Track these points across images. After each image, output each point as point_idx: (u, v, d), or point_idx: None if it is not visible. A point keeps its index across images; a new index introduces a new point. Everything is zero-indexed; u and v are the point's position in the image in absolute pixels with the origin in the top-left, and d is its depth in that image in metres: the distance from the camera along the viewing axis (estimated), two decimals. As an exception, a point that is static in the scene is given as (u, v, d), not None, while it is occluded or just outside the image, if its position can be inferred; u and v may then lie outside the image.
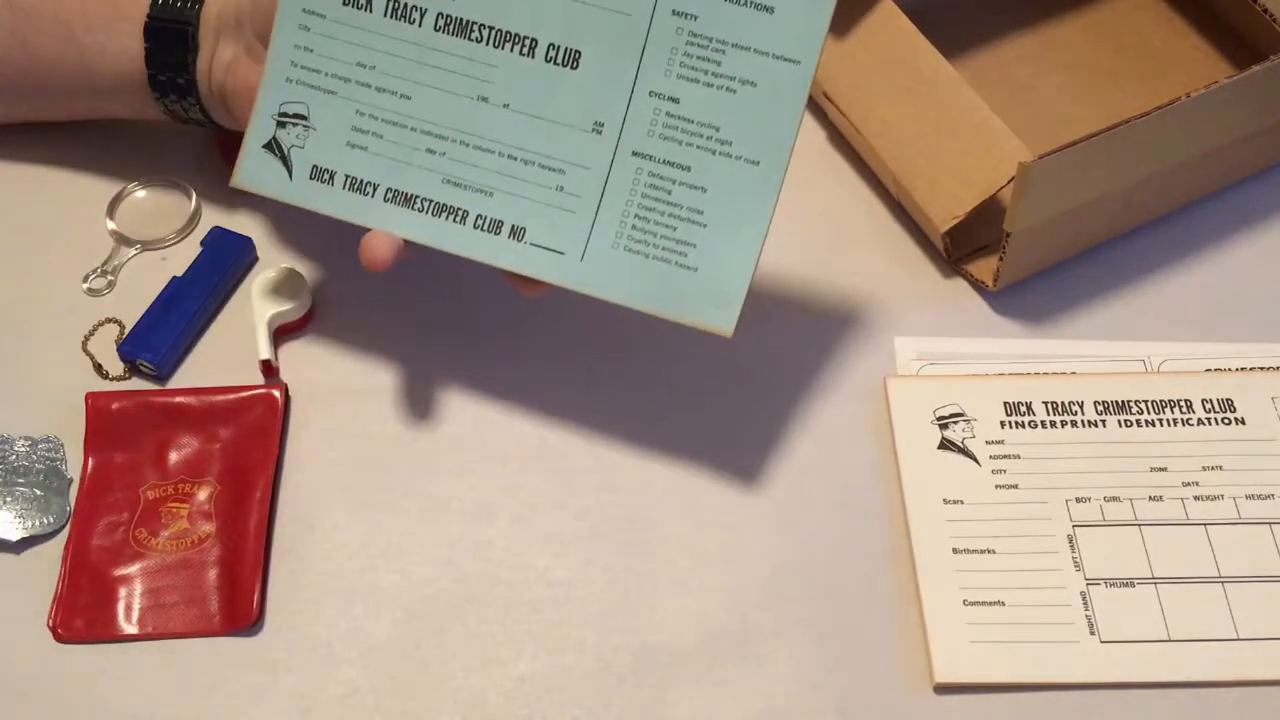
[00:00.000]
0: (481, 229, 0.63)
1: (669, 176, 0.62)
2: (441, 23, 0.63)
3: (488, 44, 0.63)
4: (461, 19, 0.63)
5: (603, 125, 0.62)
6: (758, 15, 0.61)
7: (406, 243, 0.64)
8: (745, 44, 0.61)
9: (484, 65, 0.63)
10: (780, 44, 0.61)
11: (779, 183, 0.62)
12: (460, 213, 0.63)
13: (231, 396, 0.69)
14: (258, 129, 0.65)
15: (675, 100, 0.62)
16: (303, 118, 0.64)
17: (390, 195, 0.64)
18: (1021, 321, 0.73)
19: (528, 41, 0.63)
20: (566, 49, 0.62)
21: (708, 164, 0.62)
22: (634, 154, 0.62)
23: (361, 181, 0.64)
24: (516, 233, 0.63)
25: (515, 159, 0.63)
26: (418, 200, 0.64)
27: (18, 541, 0.65)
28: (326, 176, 0.64)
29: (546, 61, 0.63)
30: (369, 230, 0.64)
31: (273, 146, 0.65)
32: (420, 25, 0.63)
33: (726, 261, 0.62)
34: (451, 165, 0.63)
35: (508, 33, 0.63)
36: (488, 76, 0.63)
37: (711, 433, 0.69)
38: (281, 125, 0.64)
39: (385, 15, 0.63)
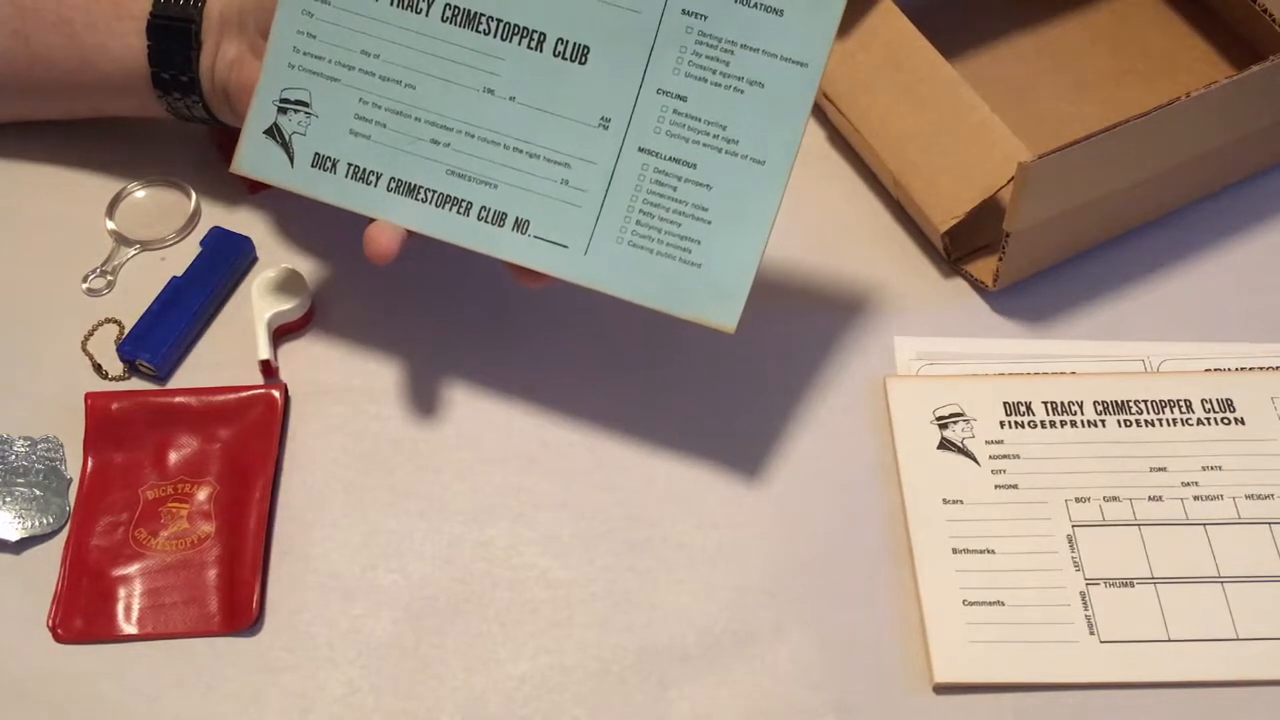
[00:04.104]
0: (485, 221, 0.64)
1: (675, 173, 0.62)
2: (449, 13, 0.63)
3: (495, 36, 0.63)
4: (469, 10, 0.63)
5: (609, 121, 0.63)
6: (767, 17, 0.61)
7: (409, 235, 0.64)
8: (754, 45, 0.61)
9: (491, 57, 0.63)
10: (788, 46, 0.61)
11: (784, 182, 0.62)
12: (464, 204, 0.63)
13: (231, 396, 0.69)
14: (258, 114, 0.65)
15: (683, 98, 0.62)
16: (305, 104, 0.64)
17: (393, 185, 0.64)
18: (1021, 321, 0.73)
19: (536, 35, 0.63)
20: (575, 44, 0.62)
21: (714, 162, 0.62)
22: (640, 150, 0.63)
23: (364, 170, 0.64)
24: (520, 225, 0.63)
25: (520, 152, 0.63)
26: (421, 190, 0.64)
27: (17, 542, 0.65)
28: (329, 164, 0.64)
29: (554, 56, 0.63)
30: (371, 224, 0.64)
31: (273, 133, 0.65)
32: (427, 15, 0.63)
33: (730, 258, 0.62)
34: (456, 156, 0.64)
35: (516, 26, 0.63)
36: (494, 69, 0.63)
37: (711, 432, 0.69)
38: (283, 111, 0.64)
39: (391, 4, 0.63)
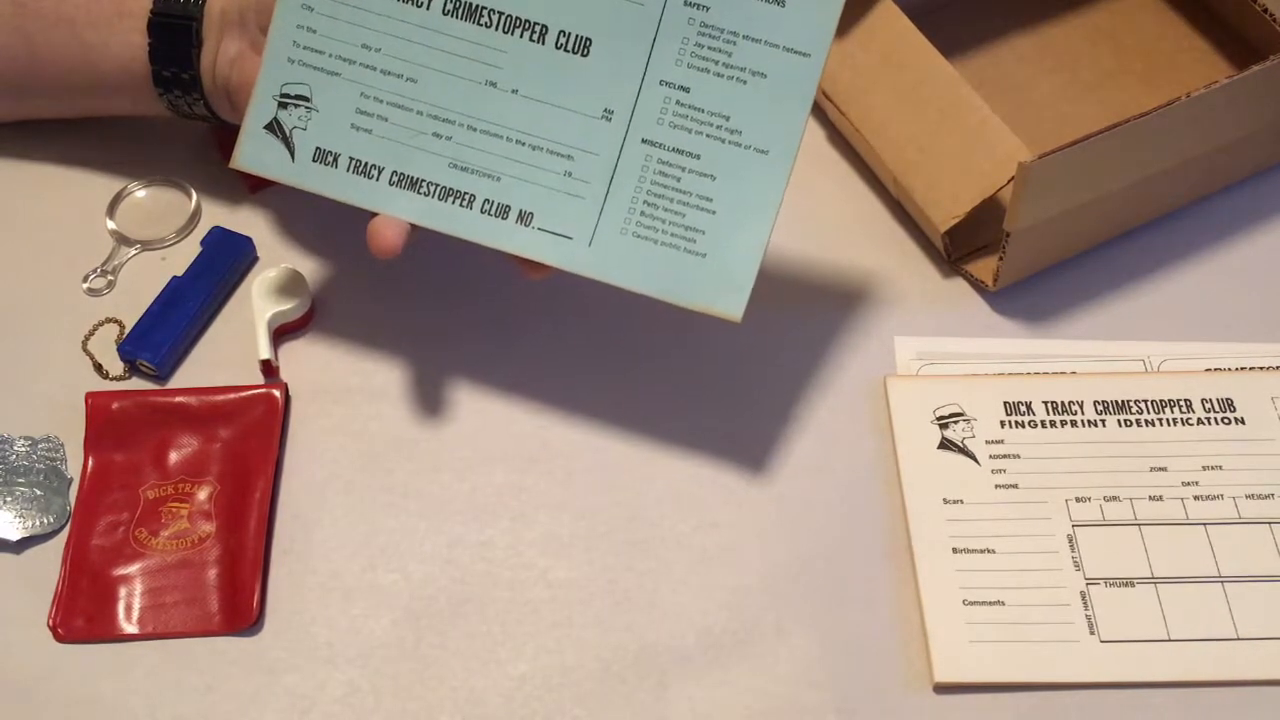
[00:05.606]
0: (489, 213, 0.64)
1: (678, 164, 0.62)
2: (450, 6, 0.63)
3: (497, 29, 0.63)
4: (471, 3, 0.63)
5: (612, 113, 0.63)
6: (769, 8, 0.61)
7: (412, 229, 0.64)
8: (756, 36, 0.61)
9: (493, 50, 0.63)
10: (791, 37, 0.61)
11: (788, 172, 0.62)
12: (467, 197, 0.64)
13: (231, 396, 0.69)
14: (259, 109, 0.65)
15: (686, 89, 0.62)
16: (305, 99, 0.64)
17: (396, 179, 0.64)
18: (1021, 321, 0.73)
19: (538, 28, 0.63)
20: (577, 36, 0.63)
21: (717, 152, 0.62)
22: (643, 141, 0.63)
23: (366, 164, 0.64)
24: (524, 217, 0.63)
25: (523, 144, 0.63)
26: (424, 184, 0.64)
27: (18, 541, 0.65)
28: (330, 159, 0.64)
29: (557, 48, 0.63)
30: (373, 219, 0.64)
31: (274, 127, 0.64)
32: (428, 8, 0.63)
33: (735, 248, 0.62)
34: (458, 149, 0.64)
35: (518, 18, 0.63)
36: (496, 61, 0.63)
37: (711, 432, 0.69)
38: (283, 106, 0.64)
39: None
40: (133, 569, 0.64)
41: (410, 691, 0.62)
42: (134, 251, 0.75)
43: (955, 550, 0.65)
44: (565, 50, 0.63)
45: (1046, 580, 0.64)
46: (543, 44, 0.63)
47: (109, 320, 0.72)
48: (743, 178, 0.62)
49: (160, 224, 0.75)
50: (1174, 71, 0.82)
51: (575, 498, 0.67)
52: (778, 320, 0.72)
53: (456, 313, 0.73)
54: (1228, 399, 0.70)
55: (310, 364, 0.71)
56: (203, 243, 0.74)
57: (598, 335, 0.72)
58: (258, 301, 0.70)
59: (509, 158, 0.63)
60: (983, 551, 0.65)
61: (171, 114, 0.72)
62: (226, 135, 0.73)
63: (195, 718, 0.61)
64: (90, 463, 0.67)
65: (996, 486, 0.67)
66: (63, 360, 0.71)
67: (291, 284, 0.71)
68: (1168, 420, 0.69)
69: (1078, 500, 0.66)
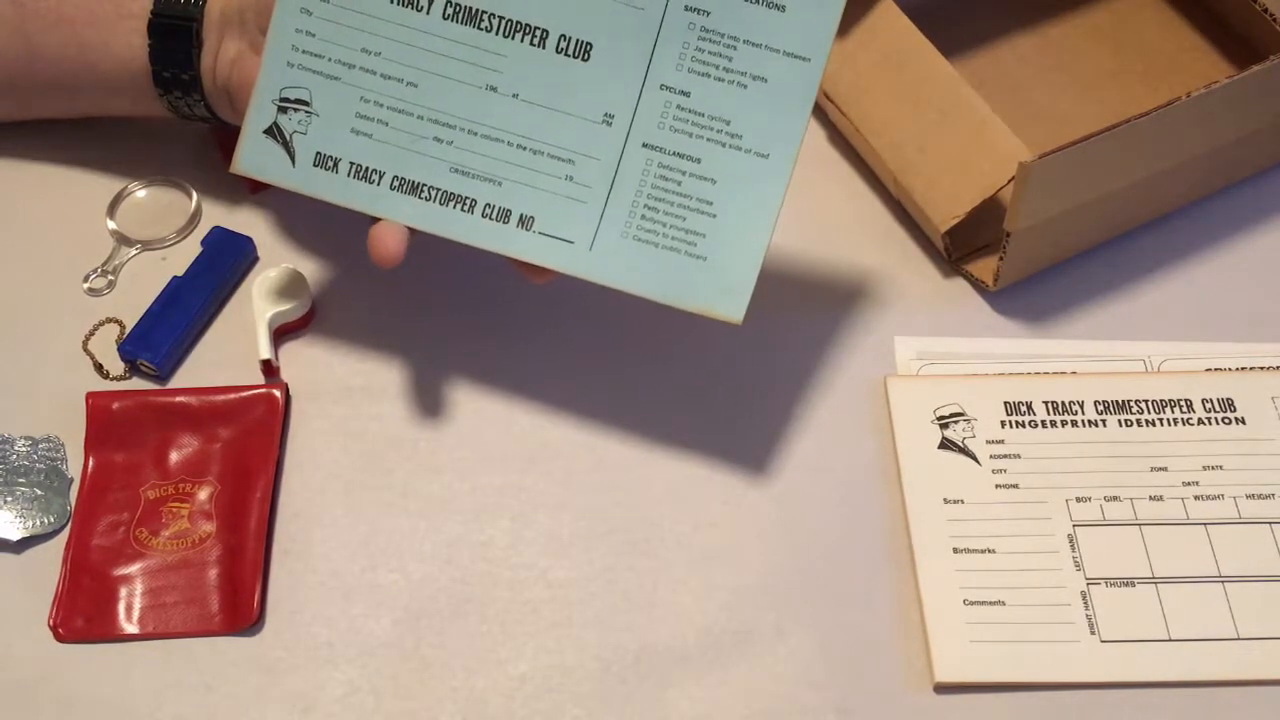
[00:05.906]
0: (490, 218, 0.64)
1: (679, 168, 0.62)
2: (450, 11, 0.63)
3: (497, 33, 0.63)
4: (471, 8, 0.63)
5: (613, 117, 0.63)
6: (769, 12, 0.61)
7: (412, 233, 0.64)
8: (756, 40, 0.62)
9: (493, 55, 0.63)
10: (791, 41, 0.61)
11: (788, 175, 0.62)
12: (468, 201, 0.64)
13: (232, 396, 0.69)
14: (258, 113, 0.65)
15: (686, 94, 0.62)
16: (305, 103, 0.64)
17: (397, 183, 0.64)
18: (1021, 321, 0.73)
19: (538, 32, 0.63)
20: (578, 40, 0.63)
21: (718, 156, 0.62)
22: (644, 145, 0.63)
23: (367, 169, 0.64)
24: (525, 221, 0.63)
25: (524, 149, 0.63)
26: (425, 189, 0.64)
27: (18, 541, 0.65)
28: (331, 163, 0.64)
29: (557, 52, 0.63)
30: (375, 225, 0.64)
31: (274, 132, 0.64)
32: (428, 13, 0.63)
33: (736, 251, 0.62)
34: (459, 154, 0.64)
35: (518, 23, 0.63)
36: (497, 66, 0.63)
37: (711, 433, 0.69)
38: (283, 110, 0.64)
39: (392, 2, 0.63)
40: (133, 569, 0.64)
41: (410, 691, 0.62)
42: (134, 251, 0.75)
43: (955, 550, 0.65)
44: (566, 55, 0.63)
45: (1047, 580, 0.64)
46: (543, 48, 0.63)
47: (109, 320, 0.72)
48: (743, 181, 0.62)
49: (160, 224, 0.75)
50: (1174, 71, 0.82)
51: (575, 498, 0.67)
52: (778, 320, 0.72)
53: (457, 314, 0.73)
54: (1228, 399, 0.70)
55: (310, 364, 0.71)
56: (203, 243, 0.74)
57: (598, 336, 0.72)
58: (258, 301, 0.71)
59: (510, 162, 0.63)
60: (983, 551, 0.65)
61: (172, 115, 0.72)
62: (227, 136, 0.73)
63: (195, 718, 0.61)
64: (91, 463, 0.67)
65: (997, 486, 0.67)
66: (63, 360, 0.71)
67: (292, 284, 0.71)
68: (1168, 420, 0.69)
69: (1078, 500, 0.66)
